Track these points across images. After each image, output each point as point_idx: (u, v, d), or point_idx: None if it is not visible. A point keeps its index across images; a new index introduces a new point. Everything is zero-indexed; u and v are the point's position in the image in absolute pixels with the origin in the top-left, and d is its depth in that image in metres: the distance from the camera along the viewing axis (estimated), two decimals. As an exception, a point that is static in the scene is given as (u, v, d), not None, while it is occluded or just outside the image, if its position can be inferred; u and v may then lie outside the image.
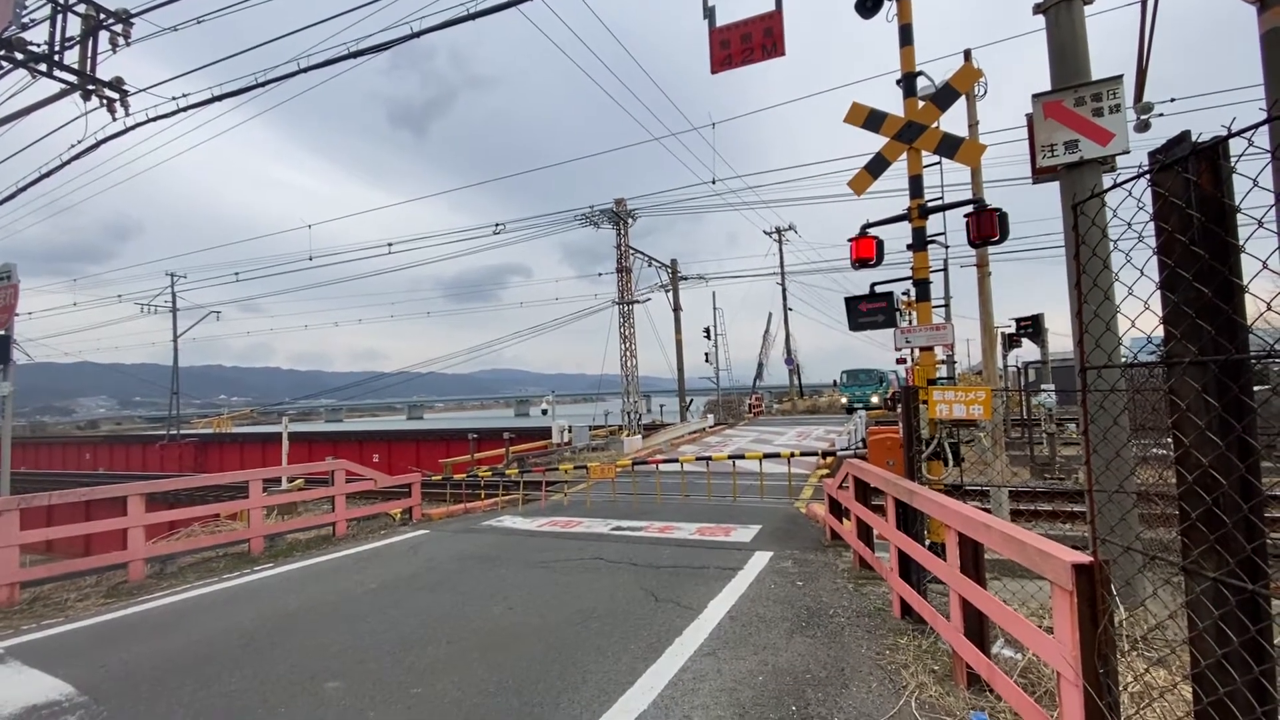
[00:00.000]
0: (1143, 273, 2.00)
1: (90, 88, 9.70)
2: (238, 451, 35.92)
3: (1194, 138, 1.88)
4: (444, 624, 4.82)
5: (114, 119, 9.78)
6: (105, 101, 9.75)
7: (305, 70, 8.99)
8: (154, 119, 9.81)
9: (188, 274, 40.46)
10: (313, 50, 9.18)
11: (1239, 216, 1.84)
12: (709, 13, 6.94)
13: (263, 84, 9.23)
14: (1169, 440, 2.01)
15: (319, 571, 6.72)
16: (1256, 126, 1.69)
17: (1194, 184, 1.81)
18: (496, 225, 25.22)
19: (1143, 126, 6.33)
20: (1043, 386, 14.99)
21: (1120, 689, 2.38)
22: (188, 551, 7.48)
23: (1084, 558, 2.32)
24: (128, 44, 9.80)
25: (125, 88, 9.66)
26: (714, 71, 6.84)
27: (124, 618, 5.46)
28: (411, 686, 3.75)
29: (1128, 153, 4.72)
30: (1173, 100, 12.52)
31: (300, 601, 5.60)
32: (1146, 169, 1.99)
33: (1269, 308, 1.63)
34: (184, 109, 9.68)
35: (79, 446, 44.56)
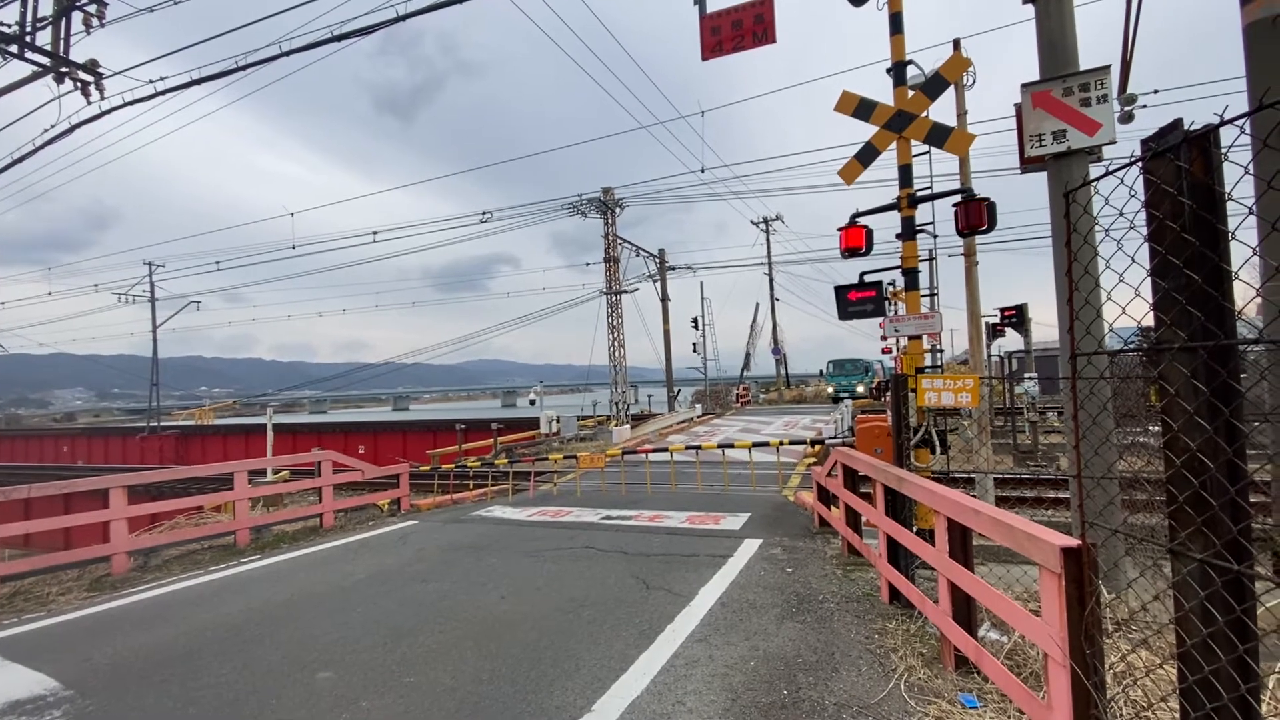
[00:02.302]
0: (1134, 259, 2.02)
1: (64, 70, 9.43)
2: (220, 443, 35.46)
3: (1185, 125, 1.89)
4: (435, 613, 4.81)
5: (89, 102, 9.52)
6: (79, 85, 9.49)
7: (287, 54, 8.79)
8: (130, 103, 9.55)
9: (166, 263, 39.49)
10: (296, 32, 8.98)
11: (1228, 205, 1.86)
12: (699, -2, 6.88)
13: (243, 67, 9.02)
14: (1152, 427, 2.04)
15: (307, 562, 6.67)
16: (1248, 115, 1.71)
17: (1186, 171, 1.83)
18: (484, 214, 24.97)
19: (1126, 118, 6.38)
20: (1026, 375, 15.21)
21: (1105, 669, 2.43)
22: (172, 544, 7.39)
23: (1072, 541, 2.37)
24: (102, 25, 9.52)
25: (100, 70, 9.39)
26: (705, 58, 6.80)
27: (108, 611, 5.39)
28: (404, 675, 3.74)
29: (1114, 143, 4.76)
30: (1156, 92, 12.65)
31: (289, 592, 5.56)
32: (1139, 156, 2.00)
33: (1258, 294, 1.65)
34: (161, 93, 9.43)
35: (56, 439, 43.72)
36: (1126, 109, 6.42)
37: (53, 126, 10.01)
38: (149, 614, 5.22)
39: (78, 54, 9.53)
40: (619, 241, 27.84)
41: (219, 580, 6.14)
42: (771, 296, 38.81)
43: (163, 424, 41.26)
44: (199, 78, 9.21)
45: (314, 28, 8.52)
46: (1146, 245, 2.01)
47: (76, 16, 9.53)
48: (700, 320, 34.15)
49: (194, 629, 4.75)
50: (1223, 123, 1.73)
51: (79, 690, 3.80)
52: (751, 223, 38.00)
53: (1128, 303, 2.01)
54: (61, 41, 9.38)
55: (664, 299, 30.75)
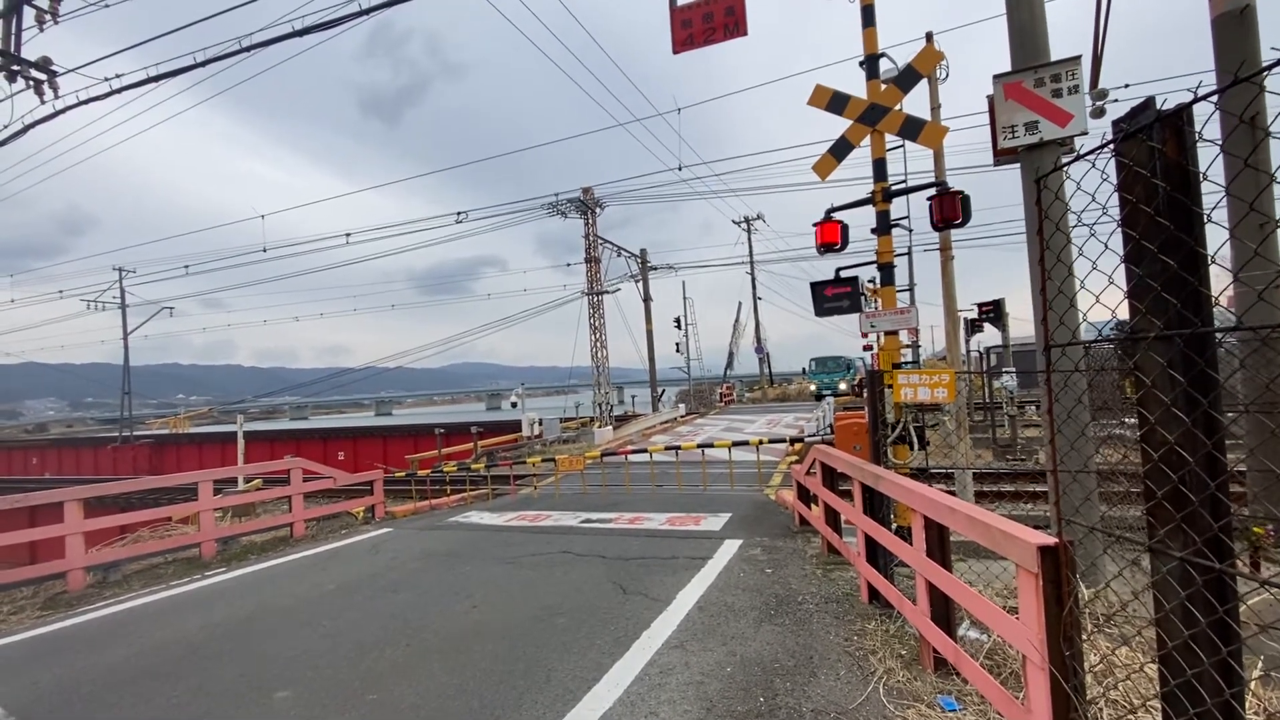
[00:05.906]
0: (1107, 246, 1.94)
1: (15, 68, 9.09)
2: (196, 452, 34.72)
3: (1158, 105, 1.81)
4: (404, 625, 4.64)
5: (42, 102, 9.18)
6: (32, 83, 9.14)
7: (248, 49, 8.52)
8: (85, 101, 9.22)
9: (139, 268, 38.47)
10: (267, 27, 8.67)
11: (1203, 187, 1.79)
12: (670, -8, 6.77)
13: (202, 64, 8.71)
14: (1130, 419, 1.96)
15: (273, 575, 6.45)
16: (1223, 90, 1.63)
17: (1159, 152, 1.75)
18: (459, 214, 24.64)
19: (1098, 112, 6.39)
20: (1004, 370, 15.31)
21: (1085, 670, 2.35)
22: (133, 558, 7.13)
23: (1049, 539, 2.28)
24: (55, 21, 9.19)
25: (53, 68, 9.05)
26: (676, 52, 6.69)
27: (61, 630, 5.16)
28: (367, 692, 3.58)
29: (1085, 134, 4.73)
30: (1127, 86, 12.77)
31: (252, 607, 5.35)
32: (1111, 139, 1.92)
33: (1235, 278, 1.57)
34: (117, 91, 9.10)
35: (25, 451, 42.53)
36: (1098, 104, 6.43)
37: (5, 128, 9.65)
38: (103, 633, 5.00)
39: (30, 51, 9.19)
40: (600, 242, 27.71)
41: (180, 595, 5.91)
42: (754, 295, 38.91)
43: (136, 433, 40.30)
44: (156, 74, 8.90)
45: (281, 23, 8.27)
46: (1120, 231, 1.93)
47: (29, 13, 9.20)
48: (683, 320, 34.10)
49: (149, 648, 4.54)
50: (1195, 99, 1.65)
51: (22, 716, 3.62)
52: (733, 222, 38.05)
53: (1101, 290, 1.92)
54: (12, 38, 9.04)
55: (646, 299, 30.64)
